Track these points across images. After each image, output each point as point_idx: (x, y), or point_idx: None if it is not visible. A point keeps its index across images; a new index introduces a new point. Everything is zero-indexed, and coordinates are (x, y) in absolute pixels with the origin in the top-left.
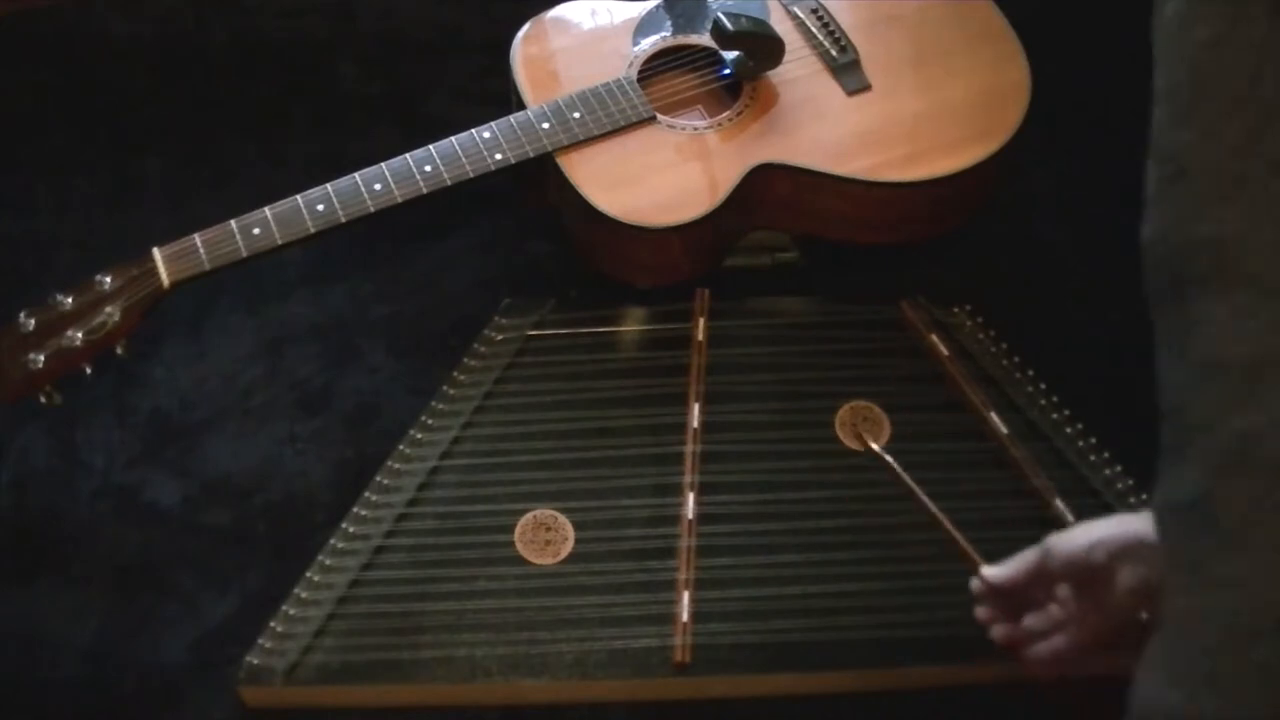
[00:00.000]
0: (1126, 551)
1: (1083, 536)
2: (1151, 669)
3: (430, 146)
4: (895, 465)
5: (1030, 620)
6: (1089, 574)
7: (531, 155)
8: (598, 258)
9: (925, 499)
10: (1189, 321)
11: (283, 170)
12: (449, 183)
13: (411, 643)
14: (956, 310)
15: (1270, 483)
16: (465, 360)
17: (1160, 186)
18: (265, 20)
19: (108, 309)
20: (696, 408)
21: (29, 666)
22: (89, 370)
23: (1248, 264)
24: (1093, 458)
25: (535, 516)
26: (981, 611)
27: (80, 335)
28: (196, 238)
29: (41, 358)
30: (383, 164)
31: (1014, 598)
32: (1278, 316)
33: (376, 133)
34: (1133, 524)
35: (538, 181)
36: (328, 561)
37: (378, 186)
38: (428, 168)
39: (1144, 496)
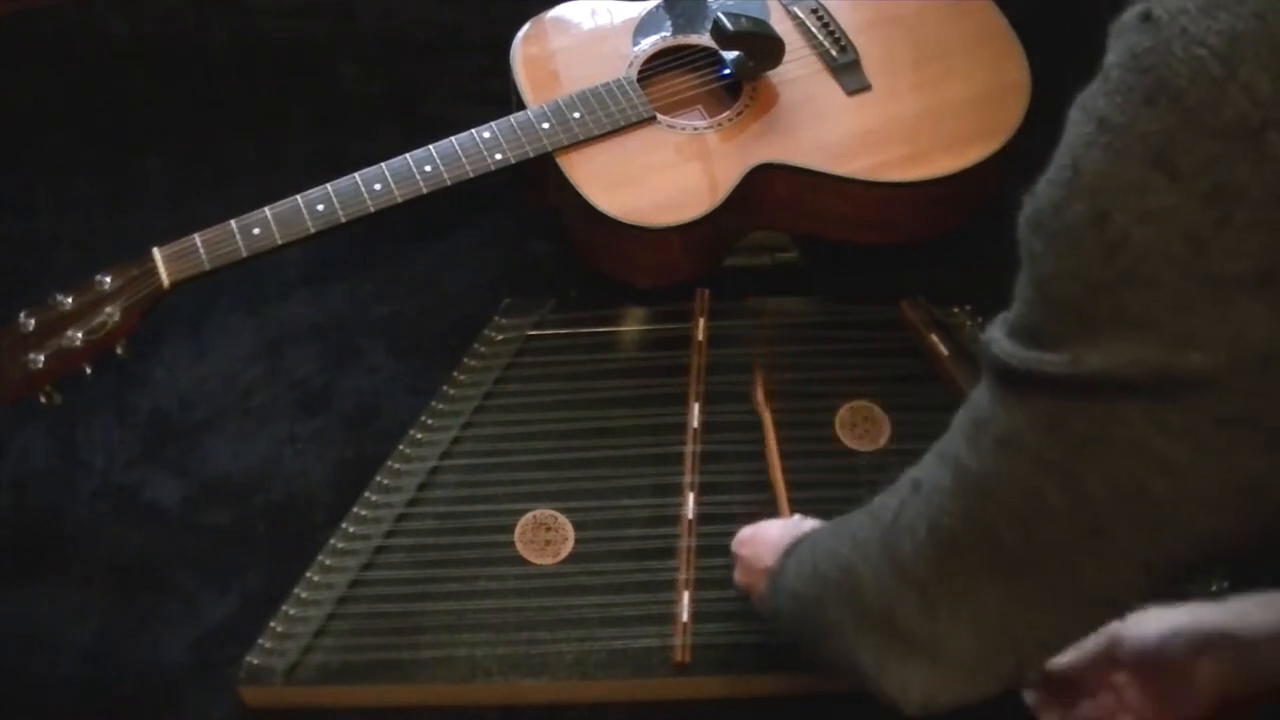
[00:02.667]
0: (1209, 644)
1: (1154, 626)
2: None
3: (430, 146)
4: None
5: (1087, 710)
6: (1161, 666)
7: (531, 155)
8: (598, 258)
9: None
10: None
11: (283, 170)
12: (449, 183)
13: (411, 643)
14: (956, 310)
15: None
16: (465, 360)
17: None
18: (265, 20)
19: (108, 309)
20: (696, 408)
21: (29, 666)
22: (89, 370)
23: None
24: None
25: (535, 516)
26: (1031, 696)
27: (80, 335)
28: (196, 238)
29: (41, 358)
30: (383, 164)
31: (1071, 685)
32: None
33: (376, 133)
34: (1209, 615)
35: (538, 181)
36: (328, 561)
37: (378, 186)
38: (428, 168)
39: None
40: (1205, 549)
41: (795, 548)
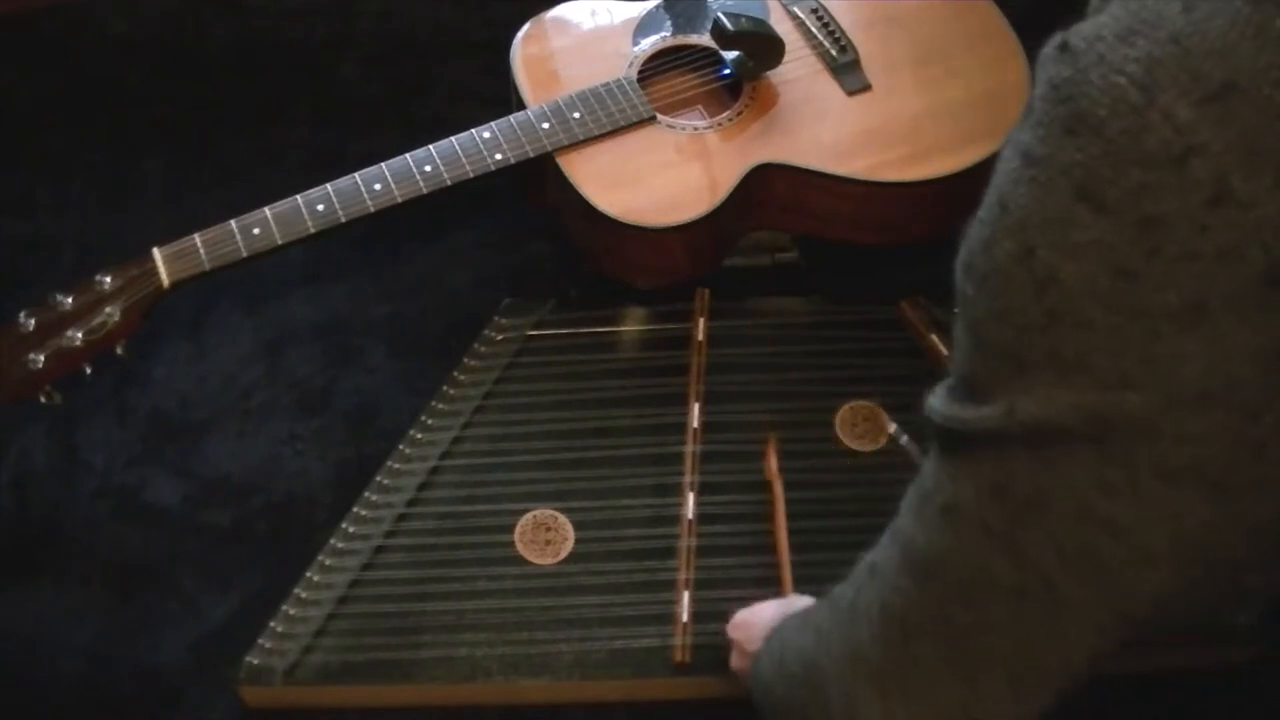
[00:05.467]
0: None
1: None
2: None
3: (430, 146)
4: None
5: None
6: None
7: (531, 155)
8: (598, 258)
9: None
10: None
11: (283, 170)
12: (449, 183)
13: (411, 643)
14: (956, 310)
15: None
16: (465, 360)
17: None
18: (265, 20)
19: (108, 309)
20: (696, 408)
21: (29, 666)
22: (89, 370)
23: None
24: None
25: (535, 516)
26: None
27: (80, 335)
28: (196, 238)
29: (41, 358)
30: (383, 164)
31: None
32: None
33: (376, 133)
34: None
35: (538, 181)
36: (328, 561)
37: (378, 186)
38: (428, 168)
39: None
40: (1164, 607)
41: (770, 638)
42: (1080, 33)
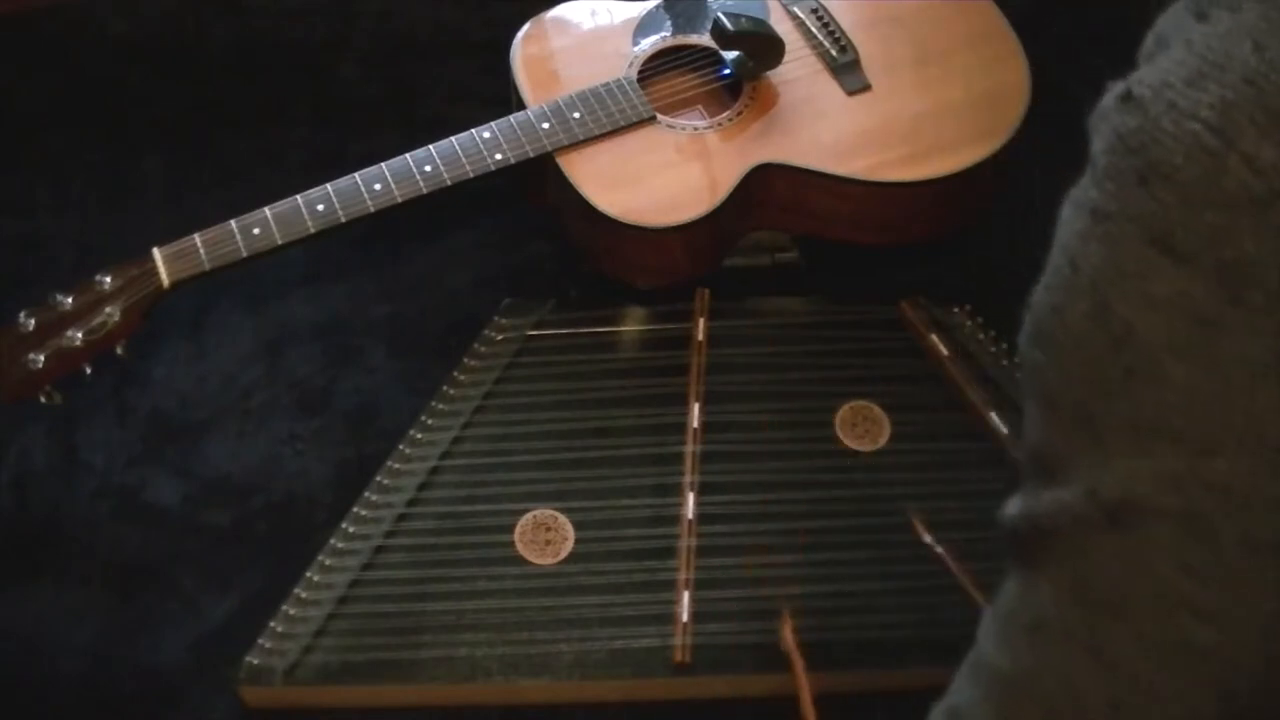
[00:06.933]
0: None
1: None
2: None
3: (430, 146)
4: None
5: None
6: None
7: (531, 155)
8: (598, 258)
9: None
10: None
11: (283, 170)
12: (449, 183)
13: (411, 643)
14: (956, 310)
15: None
16: (465, 360)
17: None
18: (265, 20)
19: (108, 309)
20: (696, 408)
21: (29, 666)
22: (89, 370)
23: None
24: None
25: (535, 516)
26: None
27: (80, 335)
28: (196, 238)
29: (41, 358)
30: (383, 164)
31: None
32: None
33: (376, 133)
34: None
35: (538, 181)
36: (328, 561)
37: (378, 186)
38: (428, 168)
39: None
40: (1266, 697)
41: None
42: (1144, 81)
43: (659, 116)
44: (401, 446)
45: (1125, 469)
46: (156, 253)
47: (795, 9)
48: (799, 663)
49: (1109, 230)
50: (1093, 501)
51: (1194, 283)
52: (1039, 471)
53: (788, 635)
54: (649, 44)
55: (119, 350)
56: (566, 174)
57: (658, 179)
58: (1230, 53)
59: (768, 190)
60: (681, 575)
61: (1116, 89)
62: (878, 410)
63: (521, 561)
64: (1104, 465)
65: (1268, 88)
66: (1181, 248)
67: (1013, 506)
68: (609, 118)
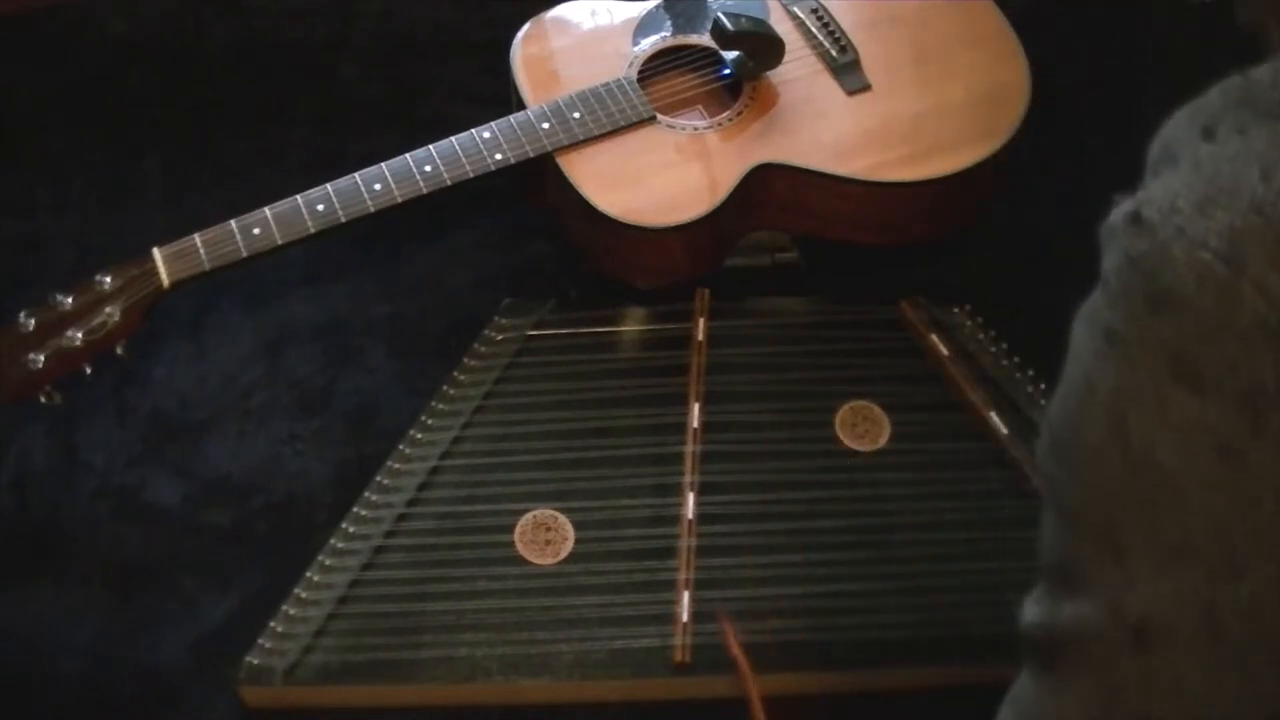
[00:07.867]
0: None
1: None
2: None
3: (430, 146)
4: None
5: None
6: None
7: (531, 155)
8: (598, 258)
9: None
10: None
11: (283, 170)
12: (449, 183)
13: (411, 643)
14: (956, 310)
15: None
16: (465, 360)
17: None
18: (265, 20)
19: (108, 309)
20: (696, 408)
21: (29, 666)
22: (89, 370)
23: None
24: None
25: (535, 516)
26: None
27: (80, 335)
28: (196, 238)
29: (41, 358)
30: (383, 164)
31: None
32: None
33: (376, 133)
34: None
35: (538, 181)
36: (328, 561)
37: (378, 186)
38: (428, 168)
39: None
40: None
41: None
42: (1152, 203)
43: (659, 116)
44: (401, 446)
45: (1149, 589)
46: (156, 253)
47: (795, 9)
48: (745, 664)
49: (1126, 354)
50: (1116, 619)
51: (1214, 413)
52: (1059, 581)
53: (730, 638)
54: (649, 44)
55: (119, 350)
56: (566, 174)
57: (658, 179)
58: (1238, 178)
59: (768, 190)
60: (681, 575)
61: (1125, 206)
62: (878, 410)
63: (521, 561)
64: (1127, 584)
65: (1276, 216)
66: (1200, 378)
67: (1031, 613)
68: (609, 118)
